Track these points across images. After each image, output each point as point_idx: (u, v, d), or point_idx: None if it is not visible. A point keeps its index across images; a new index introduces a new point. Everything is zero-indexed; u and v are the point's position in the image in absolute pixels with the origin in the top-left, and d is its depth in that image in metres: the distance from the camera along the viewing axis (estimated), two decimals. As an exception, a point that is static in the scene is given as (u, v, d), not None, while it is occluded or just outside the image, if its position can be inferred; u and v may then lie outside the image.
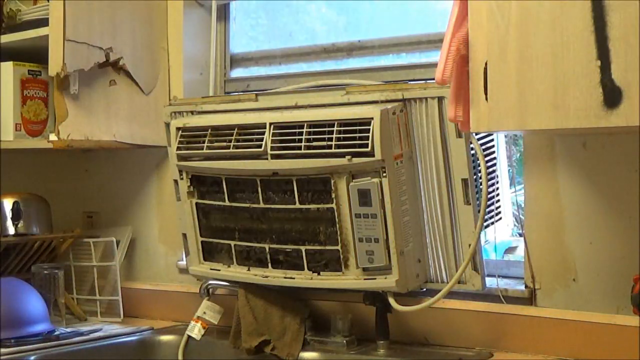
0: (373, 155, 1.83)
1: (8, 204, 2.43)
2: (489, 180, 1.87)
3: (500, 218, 2.03)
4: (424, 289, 1.97)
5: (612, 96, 1.34)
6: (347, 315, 2.05)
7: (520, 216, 1.98)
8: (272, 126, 1.97)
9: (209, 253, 2.18)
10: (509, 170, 2.04)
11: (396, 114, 1.86)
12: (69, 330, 2.28)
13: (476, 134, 1.84)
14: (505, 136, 2.01)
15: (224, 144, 2.04)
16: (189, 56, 2.50)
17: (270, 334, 2.07)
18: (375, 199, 1.85)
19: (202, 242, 2.18)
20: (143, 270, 2.60)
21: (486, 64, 1.46)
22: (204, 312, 2.20)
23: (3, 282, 2.22)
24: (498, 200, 2.00)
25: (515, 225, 2.10)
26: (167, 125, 2.21)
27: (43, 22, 2.31)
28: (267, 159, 1.97)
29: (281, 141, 1.96)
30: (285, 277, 2.04)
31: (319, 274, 1.99)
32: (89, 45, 2.29)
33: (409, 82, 1.97)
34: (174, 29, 2.50)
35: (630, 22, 1.32)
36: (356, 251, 1.92)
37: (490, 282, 1.92)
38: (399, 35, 2.24)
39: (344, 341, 2.02)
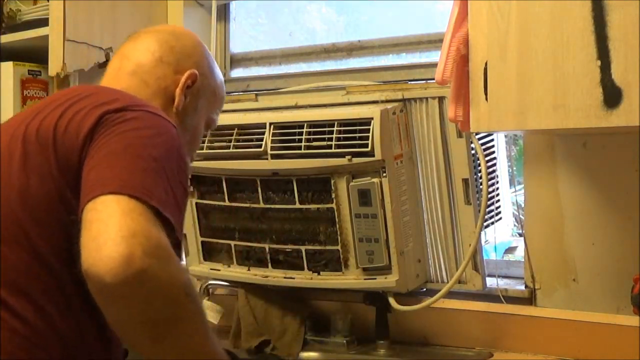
0: (373, 155, 1.83)
1: (8, 204, 2.43)
2: (489, 180, 1.87)
3: (500, 218, 2.03)
4: (424, 289, 1.97)
5: (612, 96, 1.33)
6: (347, 315, 2.05)
7: (520, 216, 1.98)
8: (272, 126, 1.97)
9: (209, 253, 2.18)
10: (509, 170, 2.04)
11: (396, 114, 1.86)
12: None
13: (476, 134, 1.84)
14: (505, 136, 2.00)
15: (224, 143, 2.04)
16: (189, 56, 2.50)
17: (270, 334, 2.07)
18: (375, 199, 1.85)
19: (202, 242, 2.18)
20: (143, 270, 2.58)
21: (486, 64, 1.46)
22: (204, 312, 2.19)
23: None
24: (498, 200, 2.00)
25: (515, 225, 2.09)
26: (167, 125, 2.20)
27: (43, 22, 2.31)
28: (267, 159, 1.97)
29: (281, 141, 1.96)
30: (285, 277, 2.04)
31: (319, 273, 1.99)
32: (89, 45, 2.29)
33: (409, 82, 1.97)
34: (174, 29, 2.49)
35: (630, 22, 1.32)
36: (356, 251, 1.91)
37: (491, 282, 1.92)
38: (399, 35, 2.24)
39: (344, 341, 2.02)
